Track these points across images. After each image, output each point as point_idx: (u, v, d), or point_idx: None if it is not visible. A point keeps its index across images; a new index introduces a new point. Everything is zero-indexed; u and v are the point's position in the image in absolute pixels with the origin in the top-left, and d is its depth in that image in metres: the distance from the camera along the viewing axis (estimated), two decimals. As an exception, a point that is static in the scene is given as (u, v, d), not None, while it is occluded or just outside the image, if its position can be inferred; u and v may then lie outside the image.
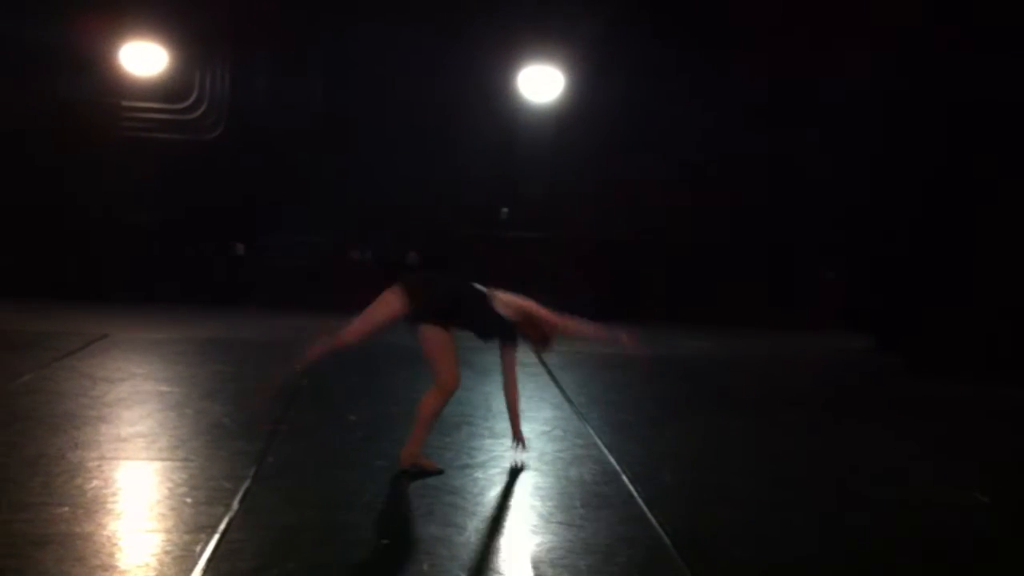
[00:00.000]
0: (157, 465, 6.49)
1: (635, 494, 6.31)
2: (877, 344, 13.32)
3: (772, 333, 14.52)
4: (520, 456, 6.95)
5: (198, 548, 5.02)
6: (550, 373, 10.43)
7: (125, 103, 14.73)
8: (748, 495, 6.46)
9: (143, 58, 14.35)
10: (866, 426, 8.88)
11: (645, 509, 6.01)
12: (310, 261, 14.85)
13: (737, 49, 14.43)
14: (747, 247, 15.30)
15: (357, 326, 6.64)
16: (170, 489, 5.98)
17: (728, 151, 15.00)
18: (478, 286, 6.69)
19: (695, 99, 14.71)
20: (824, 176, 15.06)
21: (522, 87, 14.83)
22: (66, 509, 5.49)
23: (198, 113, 14.88)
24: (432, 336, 6.50)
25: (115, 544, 5.06)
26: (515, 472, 6.74)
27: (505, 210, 15.51)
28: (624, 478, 6.66)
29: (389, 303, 6.56)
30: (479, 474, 6.62)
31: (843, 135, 14.70)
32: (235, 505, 5.73)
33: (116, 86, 14.49)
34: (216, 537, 5.19)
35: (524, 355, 11.38)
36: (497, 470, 6.74)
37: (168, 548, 5.02)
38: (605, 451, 7.33)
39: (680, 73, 14.58)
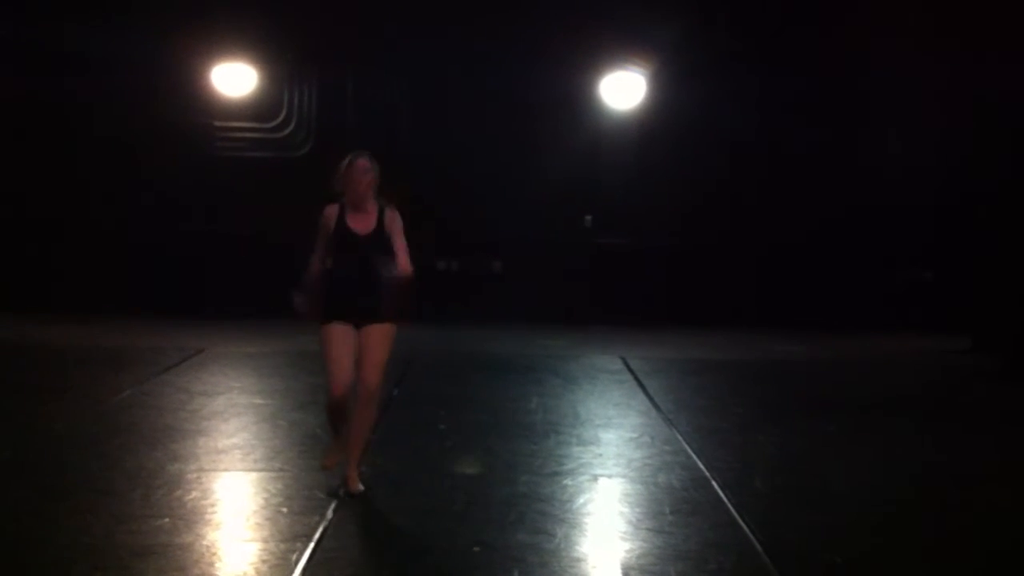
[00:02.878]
0: (253, 476, 6.64)
1: (725, 500, 6.27)
2: (972, 345, 13.00)
3: (865, 335, 14.26)
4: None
5: (294, 557, 5.13)
6: (637, 379, 10.41)
7: (218, 123, 15.08)
8: (841, 501, 6.36)
9: (233, 78, 14.67)
10: (961, 430, 8.65)
11: (736, 515, 5.97)
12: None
13: (818, 50, 14.26)
14: (837, 248, 15.06)
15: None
16: (266, 499, 6.12)
17: (811, 153, 14.78)
18: None
19: (774, 102, 14.56)
20: (915, 175, 14.78)
21: (604, 94, 14.81)
22: (166, 520, 5.65)
23: (287, 131, 15.17)
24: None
25: (214, 554, 5.19)
26: (604, 479, 6.75)
27: (589, 217, 15.50)
28: (714, 484, 6.62)
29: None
30: (568, 481, 6.64)
31: (931, 134, 14.43)
32: (329, 515, 5.84)
33: (209, 106, 14.84)
34: (311, 546, 5.29)
35: (610, 362, 11.46)
36: (585, 477, 6.76)
37: (265, 557, 5.14)
38: (694, 457, 7.29)
39: (759, 77, 14.43)
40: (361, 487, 6.25)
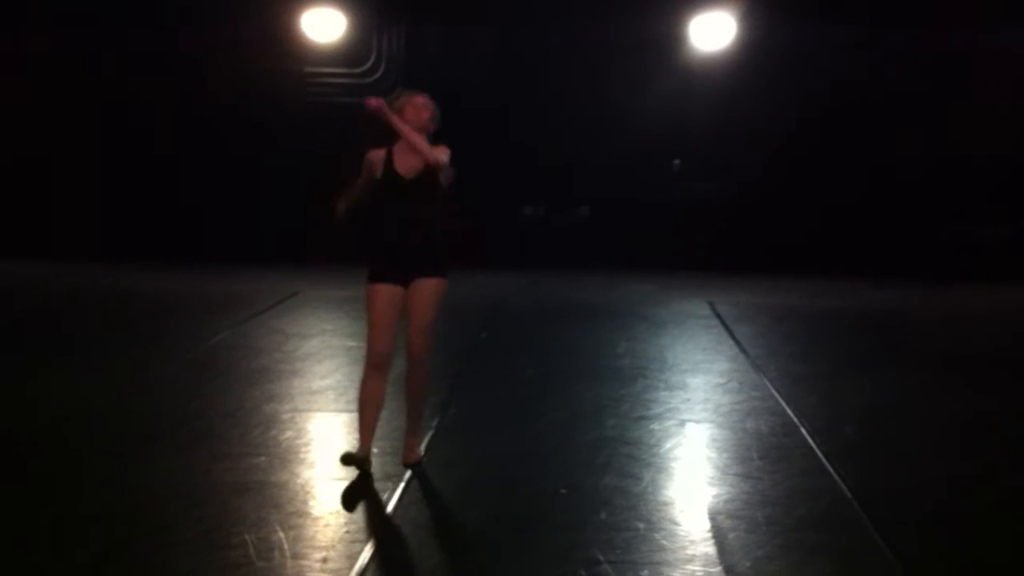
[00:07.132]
0: (346, 417, 6.76)
1: (815, 447, 6.23)
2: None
3: (960, 286, 13.93)
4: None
5: (385, 496, 5.25)
6: (725, 325, 10.35)
7: (308, 69, 15.20)
8: (933, 452, 6.27)
9: (323, 25, 14.75)
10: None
11: (825, 462, 5.93)
12: (485, 219, 14.98)
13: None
14: (934, 198, 14.68)
15: None
16: (358, 439, 6.23)
17: (901, 96, 14.40)
18: None
19: (867, 46, 14.19)
20: (1001, 119, 14.34)
21: (693, 35, 14.58)
22: (263, 459, 5.82)
23: (377, 76, 15.23)
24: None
25: (308, 492, 5.34)
26: (691, 424, 6.75)
27: (677, 161, 15.34)
28: (803, 431, 6.58)
29: None
30: (655, 426, 6.66)
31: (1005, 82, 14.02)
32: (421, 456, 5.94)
33: (299, 53, 14.95)
34: (402, 486, 5.41)
35: (698, 307, 11.40)
36: (673, 422, 6.77)
37: (358, 496, 5.26)
38: (783, 403, 7.25)
39: (850, 19, 14.06)
40: (421, 454, 5.87)
